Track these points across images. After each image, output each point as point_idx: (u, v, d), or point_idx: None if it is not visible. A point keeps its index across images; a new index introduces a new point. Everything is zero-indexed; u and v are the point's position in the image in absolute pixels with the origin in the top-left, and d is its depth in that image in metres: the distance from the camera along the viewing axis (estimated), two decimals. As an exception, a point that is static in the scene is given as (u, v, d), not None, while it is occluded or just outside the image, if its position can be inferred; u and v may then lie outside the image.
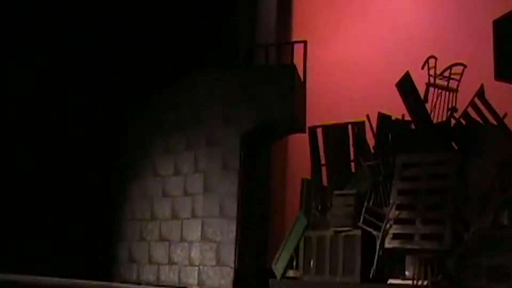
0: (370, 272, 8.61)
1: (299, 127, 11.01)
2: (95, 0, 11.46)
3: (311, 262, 9.31)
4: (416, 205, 8.56)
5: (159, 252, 11.59)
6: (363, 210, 8.92)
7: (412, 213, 8.54)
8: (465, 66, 9.20)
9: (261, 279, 10.35)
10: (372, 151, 9.33)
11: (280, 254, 9.79)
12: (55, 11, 11.26)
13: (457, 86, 9.31)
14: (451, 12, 10.20)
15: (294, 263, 9.65)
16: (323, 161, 10.05)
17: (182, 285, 10.96)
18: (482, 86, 8.98)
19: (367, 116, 9.72)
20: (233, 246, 10.54)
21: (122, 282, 12.03)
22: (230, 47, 11.52)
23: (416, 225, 8.45)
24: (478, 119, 9.04)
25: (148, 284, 11.57)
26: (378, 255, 8.59)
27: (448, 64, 9.30)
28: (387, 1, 11.10)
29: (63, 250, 10.54)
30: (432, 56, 9.31)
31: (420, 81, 9.48)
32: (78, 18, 11.57)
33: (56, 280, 9.30)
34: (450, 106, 9.26)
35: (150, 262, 11.74)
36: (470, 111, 9.08)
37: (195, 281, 10.70)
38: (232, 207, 10.65)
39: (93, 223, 12.05)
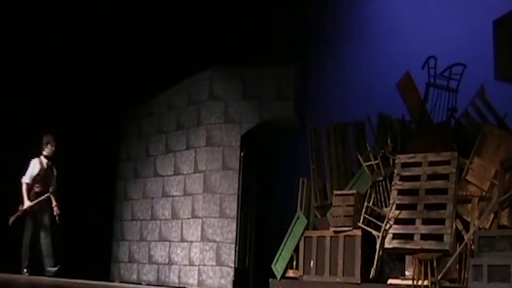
0: (370, 272, 8.61)
1: (299, 127, 11.03)
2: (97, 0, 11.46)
3: (311, 262, 9.31)
4: (416, 205, 8.56)
5: (159, 252, 11.60)
6: (363, 210, 8.92)
7: (412, 213, 8.54)
8: (465, 66, 9.20)
9: (261, 279, 10.36)
10: (372, 151, 9.32)
11: (280, 254, 9.79)
12: (57, 9, 11.25)
13: (457, 86, 9.30)
14: (451, 12, 10.19)
15: (294, 263, 9.66)
16: (323, 161, 10.05)
17: (182, 285, 10.97)
18: (482, 86, 8.97)
19: (367, 116, 9.73)
20: (233, 246, 10.56)
21: (122, 282, 12.04)
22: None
23: (416, 225, 8.45)
24: (478, 119, 9.04)
25: (148, 284, 11.58)
26: (378, 255, 8.58)
27: (448, 64, 9.30)
28: (387, 2, 11.08)
29: (63, 250, 10.52)
30: (432, 56, 9.31)
31: (420, 81, 9.48)
32: (79, 17, 11.56)
33: (56, 280, 9.31)
34: (450, 106, 9.26)
35: (150, 262, 11.75)
36: (470, 111, 9.07)
37: (195, 281, 10.70)
38: (232, 207, 10.67)
39: (93, 223, 12.05)
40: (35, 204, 9.89)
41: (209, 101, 11.13)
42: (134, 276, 12.02)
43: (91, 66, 12.01)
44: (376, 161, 9.17)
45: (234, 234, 10.60)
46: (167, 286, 11.09)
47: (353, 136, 9.96)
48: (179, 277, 11.10)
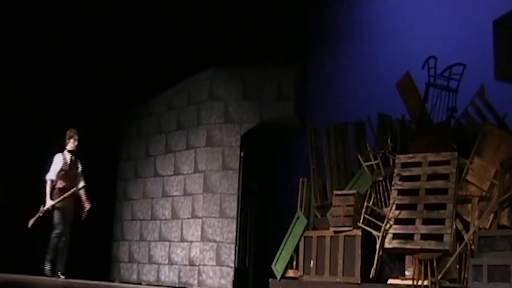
0: (370, 272, 8.61)
1: (299, 127, 11.03)
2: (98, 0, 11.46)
3: (311, 262, 9.31)
4: (416, 205, 8.56)
5: (159, 252, 11.60)
6: (363, 210, 8.92)
7: (412, 213, 8.54)
8: (465, 66, 9.20)
9: (261, 279, 10.36)
10: (372, 151, 9.32)
11: (280, 254, 9.79)
12: (57, 9, 11.26)
13: (457, 86, 9.30)
14: (451, 12, 10.19)
15: (294, 263, 9.66)
16: (323, 161, 10.05)
17: (182, 285, 10.97)
18: (482, 86, 8.97)
19: (367, 116, 9.73)
20: (233, 246, 10.56)
21: (122, 282, 12.04)
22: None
23: (416, 225, 8.45)
24: (478, 119, 9.04)
25: (148, 284, 11.58)
26: (378, 255, 8.58)
27: (448, 64, 9.30)
28: (387, 2, 11.09)
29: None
30: (432, 56, 9.31)
31: (420, 81, 9.48)
32: (79, 17, 11.56)
33: (56, 280, 9.31)
34: (450, 106, 9.26)
35: (150, 262, 11.75)
36: (470, 111, 9.07)
37: (195, 281, 10.70)
38: (232, 207, 10.67)
39: (93, 223, 12.04)
40: (57, 202, 9.49)
41: (209, 101, 11.13)
42: (134, 276, 12.02)
43: (91, 66, 12.01)
44: (376, 161, 9.17)
45: (234, 234, 10.60)
46: (167, 286, 11.09)
47: (353, 136, 9.96)
48: (179, 277, 11.09)
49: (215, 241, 10.66)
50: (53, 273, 9.45)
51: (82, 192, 9.79)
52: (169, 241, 11.44)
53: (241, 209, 10.75)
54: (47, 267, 9.48)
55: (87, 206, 9.67)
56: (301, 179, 10.02)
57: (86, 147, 11.87)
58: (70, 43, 11.78)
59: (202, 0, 11.70)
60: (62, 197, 9.55)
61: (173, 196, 11.55)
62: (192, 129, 11.37)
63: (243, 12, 11.65)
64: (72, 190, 9.65)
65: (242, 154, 10.80)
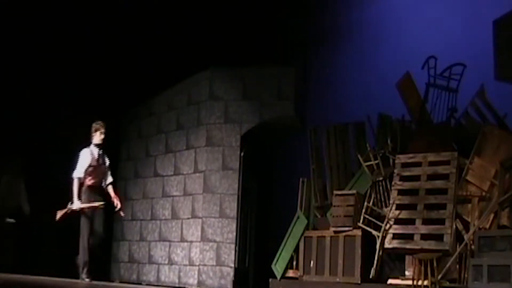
0: (370, 272, 8.61)
1: (299, 127, 11.04)
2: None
3: (311, 262, 9.31)
4: (416, 205, 8.56)
5: (159, 252, 11.61)
6: (363, 210, 8.92)
7: (412, 213, 8.54)
8: (465, 66, 9.20)
9: (261, 279, 10.36)
10: (372, 151, 9.32)
11: (280, 254, 9.79)
12: (58, 9, 11.26)
13: (457, 86, 9.30)
14: (451, 12, 10.19)
15: (294, 263, 9.66)
16: (323, 161, 10.05)
17: (182, 285, 10.97)
18: (482, 86, 8.97)
19: (367, 116, 9.73)
20: (233, 246, 10.56)
21: (122, 282, 12.04)
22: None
23: (416, 225, 8.44)
24: (478, 119, 9.04)
25: (148, 284, 11.58)
26: (378, 255, 8.58)
27: (448, 64, 9.30)
28: (388, 2, 11.09)
29: (63, 250, 10.53)
30: (432, 56, 9.31)
31: (420, 81, 9.48)
32: (79, 18, 11.56)
33: (56, 280, 9.30)
34: (450, 106, 9.26)
35: (150, 262, 11.75)
36: (470, 111, 9.07)
37: (195, 281, 10.70)
38: (232, 207, 10.67)
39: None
40: (84, 208, 8.91)
41: (209, 101, 11.13)
42: (134, 276, 12.02)
43: (91, 66, 12.01)
44: (376, 161, 9.17)
45: (234, 234, 10.60)
46: (167, 286, 11.10)
47: (353, 136, 9.96)
48: (179, 277, 11.10)
49: (215, 241, 10.67)
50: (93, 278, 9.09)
51: (110, 188, 9.29)
52: (169, 241, 11.44)
53: (241, 209, 10.75)
54: (84, 276, 9.01)
55: (117, 204, 9.13)
56: (301, 179, 10.02)
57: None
58: (70, 43, 11.78)
59: (202, 0, 11.70)
60: (91, 205, 8.95)
61: (173, 196, 11.55)
62: (192, 129, 11.37)
63: (243, 12, 11.65)
64: (101, 204, 9.00)
65: (242, 154, 10.80)
